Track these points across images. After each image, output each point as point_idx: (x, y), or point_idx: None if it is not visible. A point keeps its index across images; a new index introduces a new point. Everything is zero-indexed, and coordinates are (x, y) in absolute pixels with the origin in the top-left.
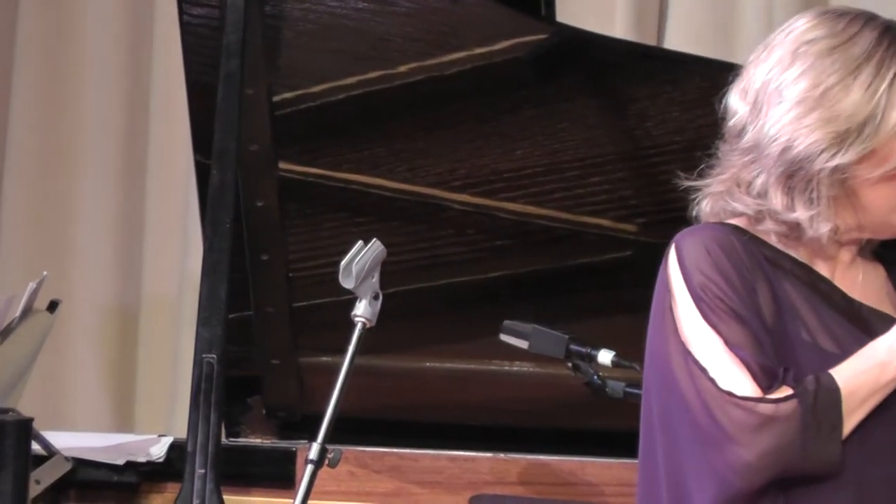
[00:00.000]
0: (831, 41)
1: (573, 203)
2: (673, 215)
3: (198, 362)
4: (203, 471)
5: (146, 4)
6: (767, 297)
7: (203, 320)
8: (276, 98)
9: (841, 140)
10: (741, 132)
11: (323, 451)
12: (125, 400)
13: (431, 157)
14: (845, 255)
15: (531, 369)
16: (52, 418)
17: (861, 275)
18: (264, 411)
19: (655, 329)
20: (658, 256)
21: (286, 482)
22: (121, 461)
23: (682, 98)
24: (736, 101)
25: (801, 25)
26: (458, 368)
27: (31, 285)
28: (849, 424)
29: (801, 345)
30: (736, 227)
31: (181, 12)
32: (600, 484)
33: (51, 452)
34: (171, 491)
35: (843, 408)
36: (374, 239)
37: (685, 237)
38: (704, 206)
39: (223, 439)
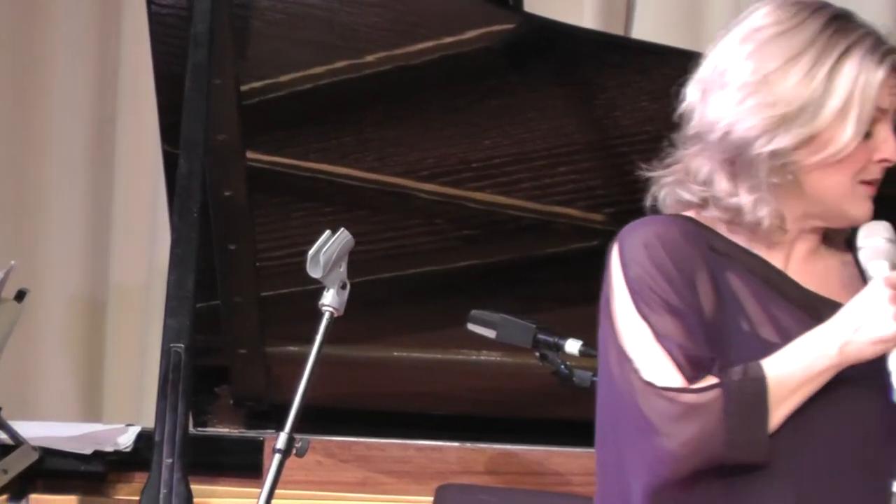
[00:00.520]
0: (778, 27)
1: (541, 193)
2: (641, 205)
3: (165, 352)
4: (171, 460)
5: None
6: (708, 288)
7: (171, 310)
8: (244, 87)
9: (777, 125)
10: (691, 119)
11: (290, 441)
12: (93, 389)
13: (399, 146)
14: (802, 245)
15: (499, 359)
16: (19, 408)
17: (823, 265)
18: (232, 401)
19: (601, 322)
20: None
21: (254, 472)
22: (88, 451)
23: (650, 87)
24: (690, 89)
25: (755, 14)
26: (426, 358)
27: None
28: (779, 413)
29: (741, 335)
30: (687, 219)
31: (149, 2)
32: (567, 473)
33: (18, 442)
34: (138, 480)
35: (771, 396)
36: (342, 228)
37: (627, 231)
38: (662, 197)
39: (191, 429)
